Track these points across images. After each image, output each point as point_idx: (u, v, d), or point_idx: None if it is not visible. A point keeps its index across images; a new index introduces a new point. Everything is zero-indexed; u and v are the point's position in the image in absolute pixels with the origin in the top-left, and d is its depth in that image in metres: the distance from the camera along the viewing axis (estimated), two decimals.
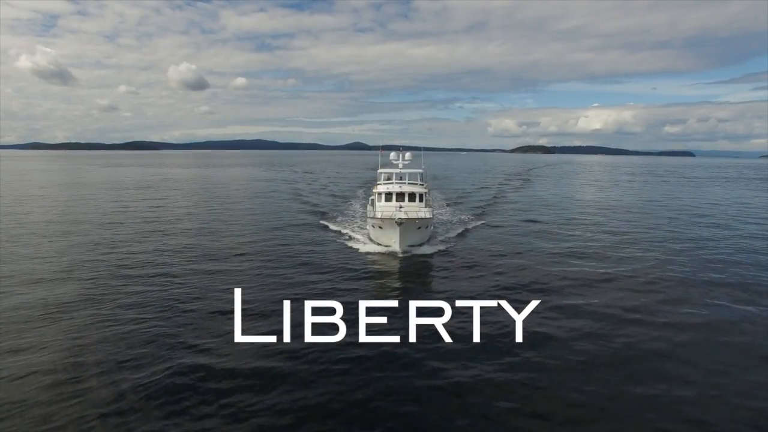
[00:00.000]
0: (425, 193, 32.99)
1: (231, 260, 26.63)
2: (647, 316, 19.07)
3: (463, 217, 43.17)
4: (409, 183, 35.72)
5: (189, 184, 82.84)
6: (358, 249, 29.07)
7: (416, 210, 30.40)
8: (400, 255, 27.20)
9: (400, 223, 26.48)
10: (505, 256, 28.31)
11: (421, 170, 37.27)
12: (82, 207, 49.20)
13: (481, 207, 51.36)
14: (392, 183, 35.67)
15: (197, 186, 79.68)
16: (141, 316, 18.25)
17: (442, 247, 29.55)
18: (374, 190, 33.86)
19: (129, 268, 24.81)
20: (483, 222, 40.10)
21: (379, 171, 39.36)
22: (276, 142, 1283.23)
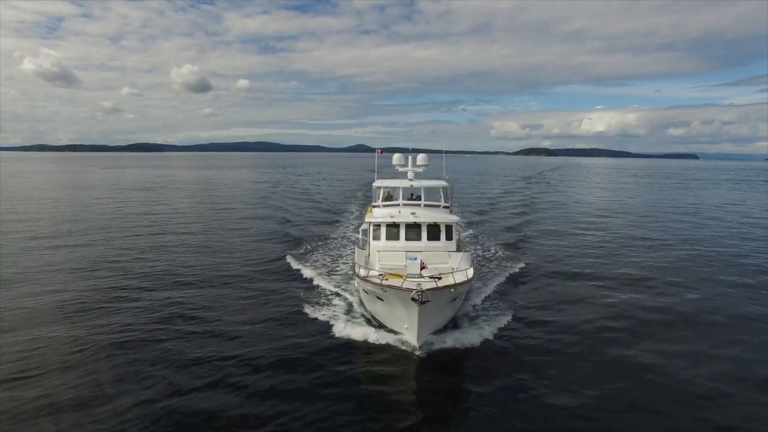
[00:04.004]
0: (456, 224, 19.41)
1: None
2: None
3: (495, 244, 30.15)
4: (425, 206, 20.99)
5: (179, 188, 74.31)
6: (336, 332, 15.91)
7: (443, 258, 17.39)
8: (419, 352, 14.22)
9: (424, 301, 13.14)
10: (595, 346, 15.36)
11: (445, 183, 22.66)
12: (73, 209, 46.48)
13: (514, 226, 38.22)
14: (398, 205, 20.95)
15: (187, 190, 70.55)
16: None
17: (487, 329, 15.88)
18: (367, 219, 19.93)
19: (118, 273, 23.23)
20: (529, 256, 27.14)
21: (375, 184, 23.27)
22: (279, 144, 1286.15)
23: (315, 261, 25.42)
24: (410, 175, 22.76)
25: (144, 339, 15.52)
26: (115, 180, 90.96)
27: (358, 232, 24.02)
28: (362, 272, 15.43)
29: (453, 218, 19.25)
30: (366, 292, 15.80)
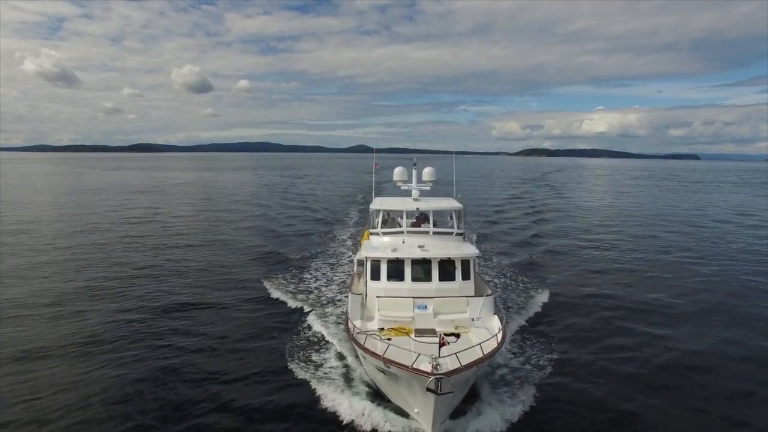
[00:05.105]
0: (474, 258, 15.78)
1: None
2: None
3: (506, 264, 26.65)
4: (435, 233, 16.94)
5: (177, 192, 71.42)
6: (330, 409, 12.15)
7: (460, 305, 13.95)
8: None
9: (442, 392, 9.27)
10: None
11: (457, 203, 18.42)
12: (66, 216, 44.49)
13: (526, 239, 34.73)
14: (401, 233, 17.05)
15: (186, 194, 68.38)
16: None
17: (511, 402, 12.14)
18: (363, 251, 16.14)
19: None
20: (546, 278, 23.73)
21: (373, 206, 18.78)
22: (280, 145, 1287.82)
23: (308, 284, 22.22)
24: (415, 194, 19.21)
25: (124, 376, 13.65)
26: (115, 182, 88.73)
27: (353, 252, 20.53)
28: (357, 329, 11.97)
29: (471, 251, 15.64)
30: (364, 357, 12.32)
